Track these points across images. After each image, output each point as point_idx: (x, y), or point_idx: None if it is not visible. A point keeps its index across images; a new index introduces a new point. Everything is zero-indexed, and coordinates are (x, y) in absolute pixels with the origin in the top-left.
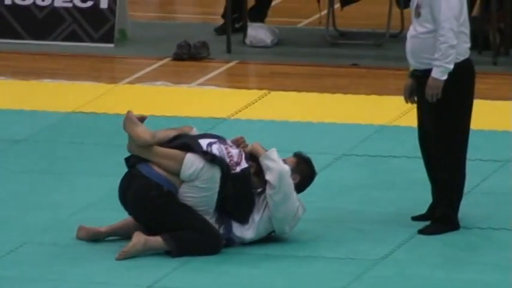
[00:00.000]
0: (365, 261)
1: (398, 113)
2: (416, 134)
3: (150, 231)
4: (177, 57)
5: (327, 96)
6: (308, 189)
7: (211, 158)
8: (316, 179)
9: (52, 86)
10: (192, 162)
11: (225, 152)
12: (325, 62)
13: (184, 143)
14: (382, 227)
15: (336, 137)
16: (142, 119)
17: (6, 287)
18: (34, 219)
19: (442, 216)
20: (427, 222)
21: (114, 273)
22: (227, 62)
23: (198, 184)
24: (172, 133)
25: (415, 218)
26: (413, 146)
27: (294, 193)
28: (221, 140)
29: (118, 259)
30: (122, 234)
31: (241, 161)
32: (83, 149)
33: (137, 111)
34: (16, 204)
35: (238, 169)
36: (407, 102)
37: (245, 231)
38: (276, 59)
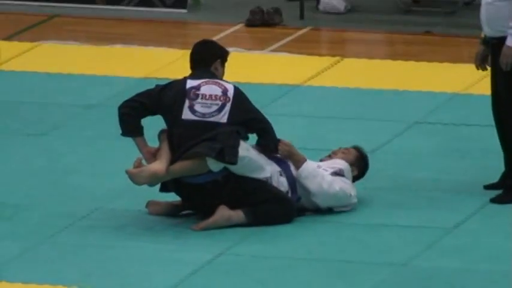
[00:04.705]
0: (437, 230)
1: (472, 80)
2: (489, 102)
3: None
4: (250, 24)
5: (399, 63)
6: (381, 157)
7: (228, 160)
8: (388, 147)
9: (124, 51)
10: (216, 164)
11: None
12: (398, 29)
13: (194, 152)
14: (454, 195)
15: (409, 104)
16: (139, 163)
17: (78, 253)
18: (106, 185)
19: None
20: (500, 191)
21: (185, 240)
22: (300, 28)
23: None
24: (166, 148)
25: (488, 187)
26: (486, 114)
27: (342, 190)
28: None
29: (195, 229)
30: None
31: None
32: (156, 115)
33: None
34: (89, 170)
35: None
36: (478, 69)
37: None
38: (349, 26)
